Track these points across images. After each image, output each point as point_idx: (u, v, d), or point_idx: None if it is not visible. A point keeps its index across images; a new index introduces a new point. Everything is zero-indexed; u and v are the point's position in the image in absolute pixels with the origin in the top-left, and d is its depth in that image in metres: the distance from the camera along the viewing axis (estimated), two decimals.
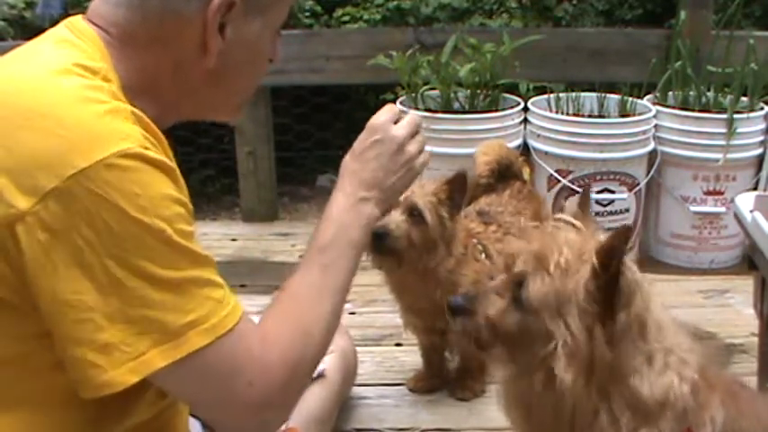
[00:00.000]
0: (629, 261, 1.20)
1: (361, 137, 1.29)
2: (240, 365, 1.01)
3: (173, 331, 0.95)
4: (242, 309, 1.04)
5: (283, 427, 1.62)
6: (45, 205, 0.90)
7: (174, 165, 1.00)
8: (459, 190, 1.97)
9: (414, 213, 1.91)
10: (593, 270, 1.17)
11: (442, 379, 2.26)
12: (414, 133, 1.29)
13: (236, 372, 1.01)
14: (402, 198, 1.90)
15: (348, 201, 1.24)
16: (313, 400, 1.74)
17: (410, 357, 2.35)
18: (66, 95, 0.95)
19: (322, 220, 1.23)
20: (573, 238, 1.24)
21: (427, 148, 1.34)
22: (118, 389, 0.93)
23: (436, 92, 3.06)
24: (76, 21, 1.07)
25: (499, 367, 1.37)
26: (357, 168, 1.26)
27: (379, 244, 1.88)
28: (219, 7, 1.03)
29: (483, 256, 2.05)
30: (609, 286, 1.16)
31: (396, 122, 1.29)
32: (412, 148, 1.28)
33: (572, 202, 2.87)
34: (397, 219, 1.90)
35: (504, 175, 2.34)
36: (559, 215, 1.31)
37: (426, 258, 1.96)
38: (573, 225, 1.28)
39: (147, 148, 0.95)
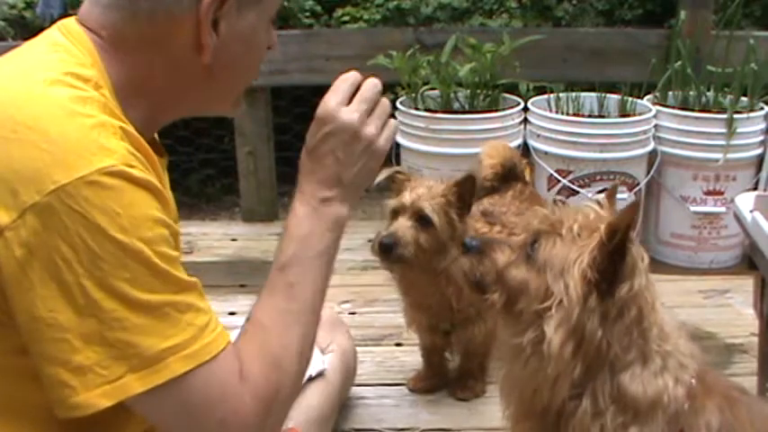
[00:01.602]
0: (638, 246, 1.23)
1: (312, 129, 1.14)
2: (215, 400, 0.97)
3: (151, 356, 0.92)
4: (227, 338, 1.00)
5: (283, 427, 1.63)
6: (24, 221, 0.88)
7: (160, 185, 0.97)
8: (468, 191, 1.97)
9: (421, 218, 1.91)
10: (599, 239, 1.20)
11: (442, 379, 2.26)
12: (370, 109, 1.14)
13: (210, 406, 0.97)
14: (409, 203, 1.93)
15: (308, 207, 1.12)
16: (313, 399, 1.74)
17: (410, 357, 2.35)
18: (54, 108, 0.93)
19: (283, 234, 1.13)
20: (589, 212, 1.28)
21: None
22: (88, 412, 0.91)
23: (436, 92, 3.06)
24: (70, 24, 1.05)
25: (492, 316, 1.40)
26: (312, 167, 1.13)
27: (389, 253, 1.89)
28: (212, 2, 1.01)
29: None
30: (612, 258, 1.19)
31: (349, 102, 1.14)
32: (370, 129, 1.13)
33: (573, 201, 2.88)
34: (404, 225, 1.91)
35: (507, 176, 2.34)
36: (589, 202, 1.33)
37: (437, 260, 1.95)
38: (596, 209, 1.31)
39: (131, 166, 0.93)
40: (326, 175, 1.12)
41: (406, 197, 1.95)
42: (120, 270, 0.90)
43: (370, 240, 1.93)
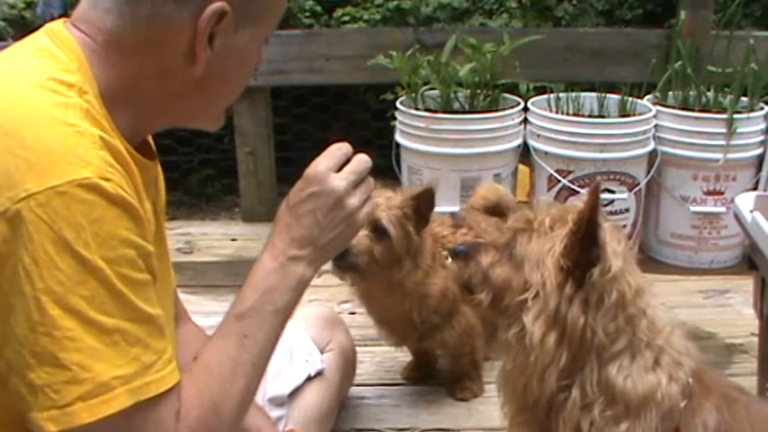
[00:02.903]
0: (614, 230, 1.27)
1: (298, 185, 1.15)
2: None
3: (101, 383, 0.89)
4: (175, 378, 0.98)
5: (283, 428, 1.63)
6: None
7: (135, 202, 0.95)
8: (426, 204, 1.92)
9: (377, 229, 1.86)
10: (569, 228, 1.24)
11: (434, 368, 2.29)
12: (357, 182, 1.15)
13: None
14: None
15: (276, 261, 1.13)
16: (312, 399, 1.74)
17: (410, 357, 2.35)
18: (34, 113, 0.92)
19: (245, 283, 1.13)
20: (563, 206, 1.33)
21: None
22: None
23: (436, 92, 3.06)
24: (57, 27, 1.04)
25: (486, 312, 1.47)
26: (290, 222, 1.14)
27: (341, 261, 1.83)
28: (211, 17, 1.00)
29: (449, 261, 2.04)
30: (584, 243, 1.22)
31: (339, 169, 1.15)
32: (353, 200, 1.14)
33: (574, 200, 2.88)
34: (359, 235, 1.82)
35: (494, 212, 2.34)
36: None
37: (391, 272, 1.92)
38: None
39: (107, 180, 0.91)
40: (302, 234, 1.13)
41: None
42: (79, 287, 0.88)
43: None
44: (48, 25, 1.06)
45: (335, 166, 1.15)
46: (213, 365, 1.06)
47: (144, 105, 1.05)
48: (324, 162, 1.15)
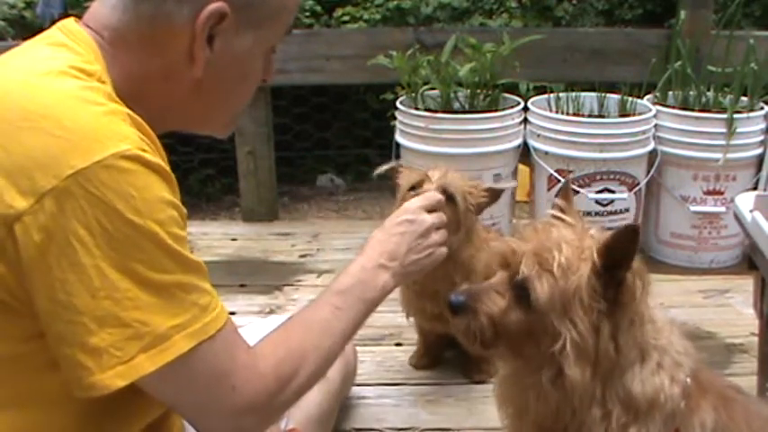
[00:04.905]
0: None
1: (394, 214, 1.41)
2: (225, 370, 1.02)
3: (159, 334, 0.95)
4: (227, 317, 1.05)
5: (284, 427, 1.63)
6: (42, 205, 0.90)
7: (169, 168, 1.01)
8: (491, 198, 2.09)
9: (446, 192, 1.95)
10: (593, 268, 1.18)
11: (441, 355, 2.35)
12: (441, 226, 1.42)
13: (220, 376, 1.02)
14: (435, 179, 1.99)
15: (370, 263, 1.32)
16: (313, 399, 1.74)
17: (409, 357, 2.35)
18: (65, 97, 0.96)
19: (343, 271, 1.31)
20: (569, 235, 1.24)
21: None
22: (104, 392, 0.94)
23: (436, 92, 3.06)
24: (69, 24, 1.07)
25: (504, 363, 1.38)
26: (382, 239, 1.36)
27: None
28: (210, 17, 1.02)
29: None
30: (612, 283, 1.18)
31: (429, 212, 1.41)
32: (436, 236, 1.40)
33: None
34: (432, 191, 1.93)
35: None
36: (550, 211, 1.32)
37: (450, 239, 1.97)
38: (563, 220, 1.29)
39: (144, 151, 0.96)
40: (392, 248, 1.35)
41: (432, 174, 2.01)
42: (135, 251, 0.94)
43: None
44: (60, 23, 1.09)
45: (428, 207, 1.42)
46: (309, 323, 1.20)
47: (147, 105, 1.06)
48: (421, 200, 1.45)
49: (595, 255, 1.18)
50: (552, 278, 1.19)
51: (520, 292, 1.22)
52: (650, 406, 1.22)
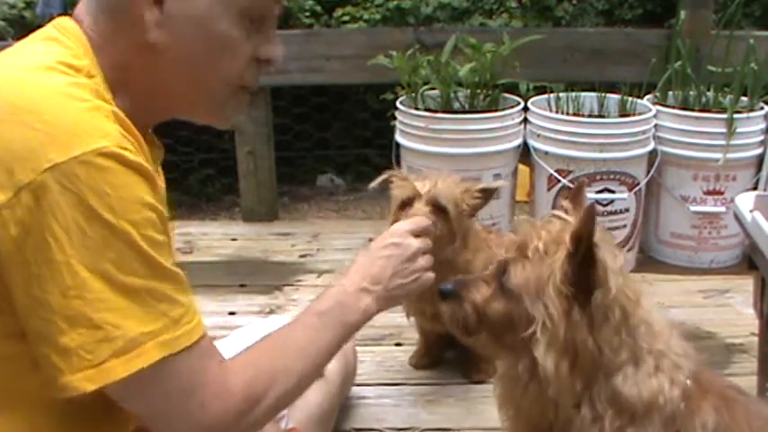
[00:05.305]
0: (606, 243, 1.22)
1: (380, 237, 1.38)
2: (194, 386, 1.01)
3: (130, 339, 0.93)
4: (202, 333, 1.03)
5: (284, 427, 1.63)
6: (19, 199, 0.90)
7: (151, 169, 0.99)
8: (485, 198, 2.08)
9: (437, 205, 1.97)
10: (567, 252, 1.19)
11: (441, 355, 2.34)
12: (428, 251, 1.38)
13: (189, 391, 1.00)
14: (425, 192, 1.99)
15: (351, 286, 1.29)
16: (313, 399, 1.74)
17: (409, 357, 2.35)
18: (50, 92, 0.95)
19: (324, 292, 1.28)
20: (553, 226, 1.26)
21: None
22: (74, 394, 0.93)
23: (436, 92, 3.06)
24: (64, 21, 1.07)
25: (494, 357, 1.40)
26: (366, 262, 1.33)
27: None
28: None
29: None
30: (583, 266, 1.18)
31: (416, 236, 1.38)
32: (423, 261, 1.37)
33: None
34: (421, 210, 1.95)
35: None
36: (554, 212, 1.32)
37: (444, 249, 1.98)
38: (561, 218, 1.29)
39: (125, 149, 0.94)
40: (376, 271, 1.31)
41: (421, 186, 2.00)
42: (107, 251, 0.92)
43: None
44: (56, 20, 1.09)
45: (415, 231, 1.39)
46: (283, 343, 1.17)
47: (134, 93, 1.06)
48: (408, 224, 1.41)
49: (567, 242, 1.20)
50: (528, 262, 1.23)
51: (502, 279, 1.27)
52: (648, 409, 1.22)
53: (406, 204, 1.99)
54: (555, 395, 1.21)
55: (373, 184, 2.16)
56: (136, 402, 1.00)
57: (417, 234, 1.38)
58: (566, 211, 1.30)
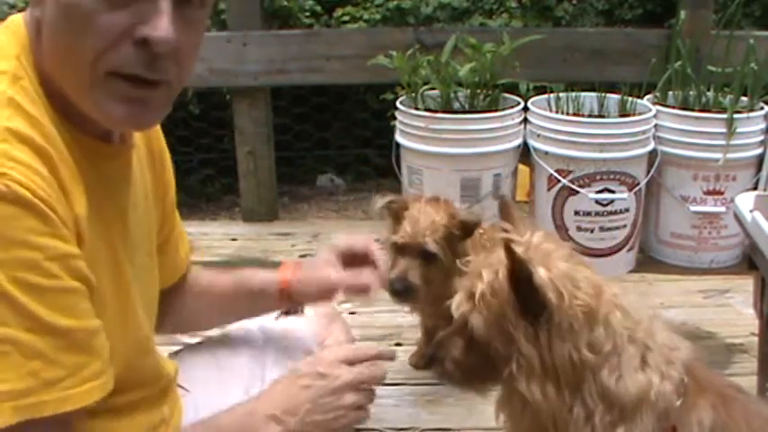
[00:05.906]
0: (539, 253, 1.23)
1: (309, 359, 1.22)
2: None
3: None
4: (87, 403, 0.89)
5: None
6: None
7: (48, 199, 0.85)
8: (473, 226, 2.00)
9: (425, 253, 1.95)
10: (512, 285, 1.19)
11: None
12: (362, 384, 1.18)
13: None
14: (411, 239, 1.95)
15: (261, 410, 1.13)
16: None
17: (408, 357, 2.35)
18: None
19: (230, 408, 1.14)
20: (492, 259, 1.25)
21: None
22: None
23: (436, 92, 3.06)
24: (17, 16, 0.98)
25: (487, 391, 1.39)
26: (282, 388, 1.16)
27: (403, 297, 1.97)
28: None
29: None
30: (528, 296, 1.18)
31: (352, 364, 1.18)
32: (351, 398, 1.16)
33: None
34: (412, 266, 1.95)
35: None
36: (481, 230, 1.32)
37: (444, 287, 1.92)
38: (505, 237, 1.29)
39: (16, 182, 0.82)
40: (292, 403, 1.14)
41: (407, 231, 1.96)
42: None
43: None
44: (12, 15, 1.00)
45: (349, 360, 1.18)
46: None
47: (60, 87, 0.95)
48: (342, 352, 1.20)
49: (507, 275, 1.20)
50: (482, 309, 1.22)
51: (467, 332, 1.26)
52: (637, 404, 1.21)
53: (399, 252, 1.98)
54: (550, 418, 1.22)
55: (374, 208, 2.13)
56: None
57: (353, 362, 1.18)
58: (505, 231, 1.30)
